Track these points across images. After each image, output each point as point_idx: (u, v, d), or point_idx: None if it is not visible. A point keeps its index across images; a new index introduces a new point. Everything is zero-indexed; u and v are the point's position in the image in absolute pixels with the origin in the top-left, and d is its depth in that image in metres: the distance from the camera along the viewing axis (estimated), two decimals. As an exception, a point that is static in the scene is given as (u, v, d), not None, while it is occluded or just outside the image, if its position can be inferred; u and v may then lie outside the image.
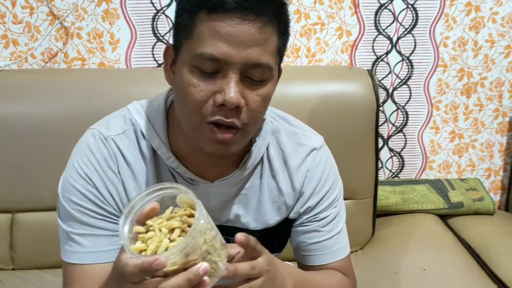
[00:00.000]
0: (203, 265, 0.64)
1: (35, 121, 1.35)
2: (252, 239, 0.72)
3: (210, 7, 0.74)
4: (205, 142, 0.79)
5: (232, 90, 0.75)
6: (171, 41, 0.84)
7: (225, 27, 0.74)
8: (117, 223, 0.87)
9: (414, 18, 1.58)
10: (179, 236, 0.67)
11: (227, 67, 0.75)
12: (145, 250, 0.66)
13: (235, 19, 0.74)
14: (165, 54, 0.85)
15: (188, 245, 0.63)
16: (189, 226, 0.67)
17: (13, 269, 1.38)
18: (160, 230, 0.67)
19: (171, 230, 0.67)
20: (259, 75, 0.77)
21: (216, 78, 0.76)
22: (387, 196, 1.60)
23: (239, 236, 0.69)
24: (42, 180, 1.36)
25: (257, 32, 0.74)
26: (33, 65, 1.49)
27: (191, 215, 0.68)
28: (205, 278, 0.65)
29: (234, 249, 0.74)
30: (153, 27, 1.50)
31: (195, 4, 0.76)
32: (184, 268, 0.64)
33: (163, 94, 0.90)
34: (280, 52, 0.81)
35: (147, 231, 0.68)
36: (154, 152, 0.88)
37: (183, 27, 0.78)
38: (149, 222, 0.68)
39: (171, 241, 0.66)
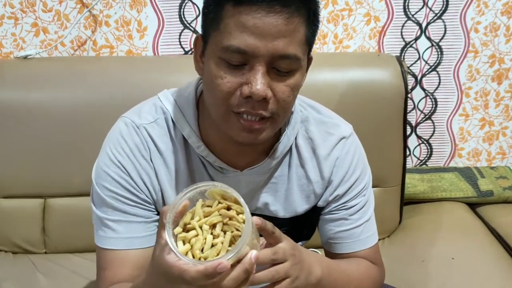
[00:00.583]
0: (253, 253, 0.66)
1: (65, 108, 1.37)
2: (269, 224, 0.72)
3: None
4: (234, 131, 0.80)
5: (258, 82, 0.75)
6: (199, 30, 0.85)
7: (251, 20, 0.73)
8: (150, 210, 0.89)
9: (445, 3, 1.55)
10: (222, 230, 0.67)
11: (253, 59, 0.75)
12: (190, 250, 0.66)
13: (261, 11, 0.73)
14: (195, 45, 0.85)
15: (244, 242, 0.64)
16: (230, 219, 0.68)
17: (45, 252, 1.42)
18: (201, 227, 0.67)
19: (212, 226, 0.67)
20: (286, 66, 0.77)
21: (243, 70, 0.76)
22: (415, 184, 1.59)
23: (255, 219, 0.69)
24: (73, 166, 1.38)
25: (283, 24, 0.74)
26: (62, 53, 1.52)
27: (229, 208, 0.69)
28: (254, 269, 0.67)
29: None
30: (180, 15, 1.50)
31: None
32: (237, 261, 0.65)
33: (193, 83, 0.91)
34: (308, 42, 0.80)
35: (184, 230, 0.68)
36: (185, 140, 0.89)
37: (210, 19, 0.78)
38: (184, 220, 0.68)
39: (214, 236, 0.67)
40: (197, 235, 0.67)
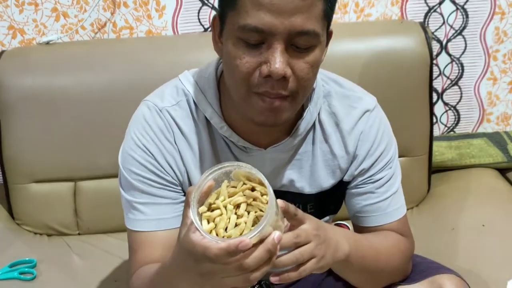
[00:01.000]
0: (276, 234, 0.65)
1: (89, 91, 1.39)
2: (291, 206, 0.72)
3: None
4: (255, 112, 0.79)
5: (277, 61, 0.74)
6: (217, 5, 0.84)
7: None
8: (177, 191, 0.90)
9: (469, -37, 1.50)
10: (246, 210, 0.67)
11: (271, 37, 0.74)
12: (214, 228, 0.67)
13: None
14: (213, 25, 0.85)
15: (268, 223, 0.64)
16: (254, 200, 0.68)
17: (79, 234, 1.46)
18: (225, 207, 0.68)
19: (236, 206, 0.68)
20: (305, 43, 0.76)
21: (262, 48, 0.75)
22: (443, 152, 1.57)
23: (278, 202, 0.69)
24: (99, 148, 1.41)
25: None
26: (83, 37, 1.52)
27: (253, 189, 0.69)
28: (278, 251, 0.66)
29: None
30: (197, -9, 1.49)
31: None
32: (260, 241, 0.65)
33: (213, 64, 0.91)
34: (327, 16, 0.78)
35: (209, 209, 0.69)
36: (207, 121, 0.89)
37: None
38: (209, 200, 0.69)
39: (238, 216, 0.67)
40: (221, 215, 0.68)
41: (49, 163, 1.41)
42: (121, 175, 0.91)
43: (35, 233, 1.44)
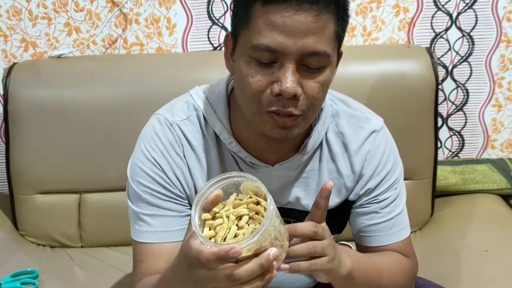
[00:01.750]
0: (272, 251, 0.66)
1: (98, 105, 1.41)
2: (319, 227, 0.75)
3: None
4: (267, 128, 0.81)
5: (288, 80, 0.75)
6: (227, 26, 0.85)
7: (280, 18, 0.74)
8: (184, 205, 0.91)
9: (476, -8, 1.52)
10: (247, 223, 0.68)
11: (283, 57, 0.76)
12: (214, 236, 0.68)
13: (290, 10, 0.74)
14: (225, 42, 0.86)
15: (262, 234, 0.65)
16: (257, 213, 0.69)
17: (81, 246, 1.46)
18: (228, 217, 0.69)
19: (239, 217, 0.69)
20: (316, 63, 0.77)
21: (273, 68, 0.77)
22: (447, 176, 1.57)
23: (306, 224, 0.74)
24: (106, 162, 1.42)
25: (312, 21, 0.74)
26: (94, 51, 1.55)
27: (258, 203, 0.70)
28: (275, 264, 0.67)
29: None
30: (208, 11, 1.51)
31: None
32: (254, 255, 0.66)
33: (224, 80, 0.92)
34: (338, 37, 0.80)
35: (213, 218, 0.70)
36: (217, 136, 0.90)
37: (240, 17, 0.79)
38: (215, 209, 0.70)
39: (239, 228, 0.68)
40: (222, 224, 0.69)
41: (55, 175, 1.42)
42: (129, 186, 0.92)
43: (38, 244, 1.45)
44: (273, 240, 0.67)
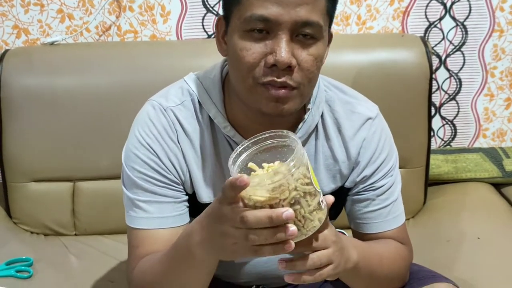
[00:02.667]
0: (288, 211, 0.63)
1: (91, 92, 1.40)
2: None
3: None
4: (262, 103, 0.80)
5: (283, 50, 0.76)
6: (221, 13, 0.86)
7: None
8: (179, 191, 0.90)
9: (470, -19, 1.53)
10: None
11: (277, 27, 0.77)
12: None
13: None
14: (217, 26, 0.87)
15: (278, 177, 0.64)
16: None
17: (75, 234, 1.46)
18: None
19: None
20: (309, 34, 0.78)
21: (267, 39, 0.78)
22: (439, 165, 1.59)
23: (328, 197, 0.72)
24: (100, 149, 1.41)
25: None
26: (88, 39, 1.53)
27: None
28: (291, 227, 0.64)
29: None
30: (202, -2, 1.51)
31: None
32: (270, 207, 0.65)
33: (218, 65, 0.92)
34: (329, 14, 0.81)
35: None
36: (211, 121, 0.90)
37: None
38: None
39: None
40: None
41: (49, 163, 1.41)
42: (123, 173, 0.92)
43: (32, 232, 1.44)
44: (293, 201, 0.66)
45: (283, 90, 0.79)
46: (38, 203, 1.43)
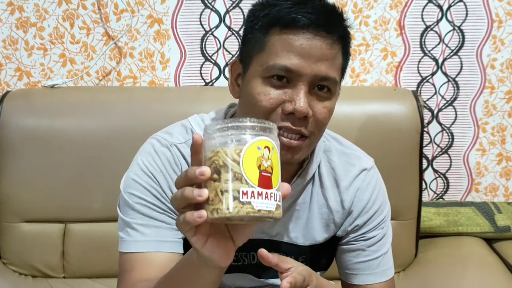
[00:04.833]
0: (203, 168, 0.60)
1: (88, 135, 1.41)
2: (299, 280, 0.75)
3: (284, 24, 0.80)
4: None
5: (302, 101, 0.79)
6: (220, 62, 0.89)
7: (298, 41, 0.79)
8: None
9: (461, 40, 1.58)
10: None
11: (297, 78, 0.80)
12: None
13: (308, 34, 0.79)
14: (230, 69, 0.90)
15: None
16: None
17: (64, 277, 1.44)
18: None
19: None
20: (326, 87, 0.82)
21: (286, 87, 0.81)
22: (431, 218, 1.59)
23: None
24: (93, 192, 1.41)
25: (327, 48, 0.80)
26: (88, 83, 1.57)
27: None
28: (201, 190, 0.60)
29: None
30: (201, 48, 1.55)
31: (269, 22, 0.81)
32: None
33: (223, 109, 0.96)
34: (343, 71, 0.85)
35: None
36: None
37: (255, 42, 0.83)
38: None
39: None
40: None
41: (41, 203, 1.41)
42: (120, 199, 0.91)
43: (20, 274, 1.42)
44: (213, 163, 0.62)
45: (296, 141, 0.82)
46: (28, 244, 1.42)
